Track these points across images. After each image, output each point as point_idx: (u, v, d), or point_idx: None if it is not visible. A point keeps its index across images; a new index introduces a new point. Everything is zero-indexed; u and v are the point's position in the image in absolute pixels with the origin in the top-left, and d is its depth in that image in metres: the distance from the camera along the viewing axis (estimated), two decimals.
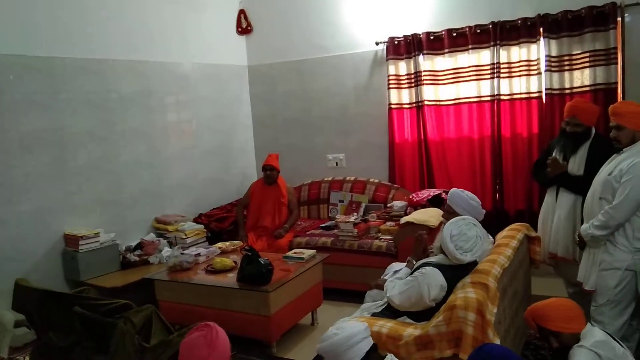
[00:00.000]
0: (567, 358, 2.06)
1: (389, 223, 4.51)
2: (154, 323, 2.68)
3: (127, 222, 4.49)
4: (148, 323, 2.66)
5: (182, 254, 3.94)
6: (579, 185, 3.11)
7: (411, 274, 2.66)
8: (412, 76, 4.82)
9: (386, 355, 1.96)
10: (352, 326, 1.93)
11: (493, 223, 4.11)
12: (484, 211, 3.01)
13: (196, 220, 4.89)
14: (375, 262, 4.09)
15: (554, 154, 3.34)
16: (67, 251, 3.97)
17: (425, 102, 4.78)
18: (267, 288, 3.28)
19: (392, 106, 4.95)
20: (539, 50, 4.31)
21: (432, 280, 2.41)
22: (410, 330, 2.32)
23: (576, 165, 3.19)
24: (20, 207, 3.75)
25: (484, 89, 4.55)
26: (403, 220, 4.12)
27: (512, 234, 3.02)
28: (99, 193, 4.29)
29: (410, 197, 4.59)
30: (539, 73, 4.34)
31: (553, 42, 4.23)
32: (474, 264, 2.62)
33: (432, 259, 2.72)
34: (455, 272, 2.47)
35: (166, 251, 4.32)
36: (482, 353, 1.70)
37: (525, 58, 4.37)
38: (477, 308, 2.11)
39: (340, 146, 5.44)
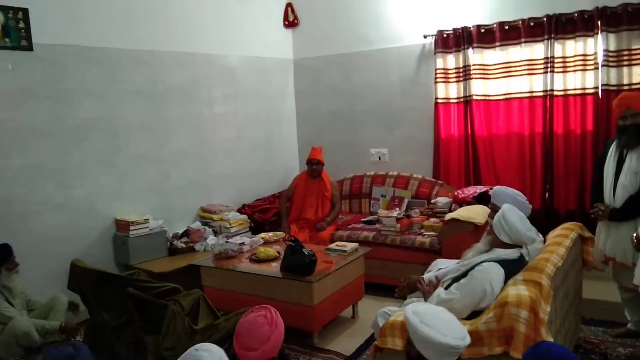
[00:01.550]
0: None
1: (432, 219, 4.45)
2: (202, 307, 2.77)
3: (174, 210, 4.62)
4: (196, 307, 2.76)
5: (226, 242, 4.02)
6: (633, 211, 2.99)
7: (450, 283, 2.57)
8: (461, 70, 4.73)
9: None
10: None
11: (542, 223, 4.00)
12: (531, 206, 2.94)
13: (240, 210, 4.97)
14: (418, 257, 4.06)
15: (608, 156, 3.20)
16: (118, 236, 4.12)
17: (474, 97, 4.68)
18: (311, 278, 3.30)
19: (439, 100, 4.87)
20: (596, 45, 4.15)
21: (493, 275, 2.35)
22: None
23: (634, 160, 3.04)
24: (75, 192, 3.92)
25: (536, 84, 4.43)
26: (448, 216, 4.05)
27: (566, 232, 2.92)
28: (148, 181, 4.42)
29: (455, 193, 4.51)
30: (596, 68, 4.18)
31: (612, 36, 4.07)
32: (525, 262, 2.55)
33: (481, 257, 2.62)
34: (507, 268, 2.41)
35: (211, 239, 4.42)
36: (540, 351, 1.55)
37: (581, 52, 4.22)
38: (530, 306, 2.05)
39: (383, 141, 5.41)
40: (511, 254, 2.48)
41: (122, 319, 2.76)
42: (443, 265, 3.17)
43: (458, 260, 2.95)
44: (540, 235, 3.10)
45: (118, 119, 4.18)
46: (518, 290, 2.14)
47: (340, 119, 5.64)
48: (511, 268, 2.43)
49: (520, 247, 2.51)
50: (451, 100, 4.85)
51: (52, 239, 3.72)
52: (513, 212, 2.47)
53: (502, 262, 2.45)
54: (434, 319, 1.77)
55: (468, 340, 1.77)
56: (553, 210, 4.44)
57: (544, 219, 4.29)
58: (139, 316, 2.57)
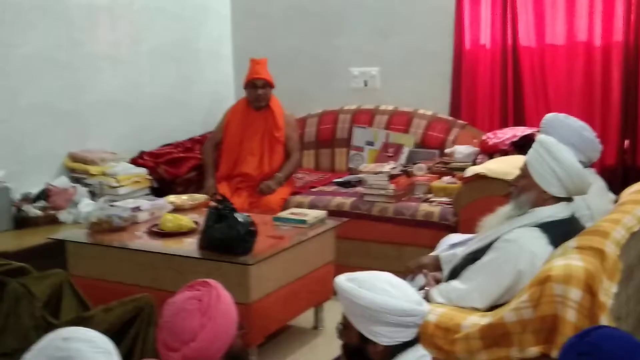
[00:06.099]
0: None
1: (446, 178, 4.52)
2: (65, 296, 2.77)
3: (25, 157, 4.54)
4: (56, 295, 2.76)
5: (111, 206, 4.01)
6: None
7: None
8: None
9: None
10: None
11: (616, 182, 4.12)
12: (602, 147, 3.09)
13: (136, 161, 4.97)
14: (421, 237, 4.11)
15: None
16: None
17: None
18: (247, 259, 3.32)
19: None
20: None
21: (532, 245, 2.47)
22: (475, 319, 2.36)
23: None
24: None
25: None
26: (470, 171, 4.11)
27: None
28: None
29: (484, 138, 4.59)
30: None
31: None
32: (578, 224, 2.65)
33: (512, 222, 2.69)
34: (554, 234, 2.50)
35: (86, 204, 4.40)
36: (589, 345, 1.54)
37: None
38: (584, 282, 2.12)
39: (373, 55, 5.45)
40: (558, 212, 2.57)
41: None
42: (456, 240, 3.25)
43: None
44: (612, 194, 3.23)
45: None
46: (567, 259, 2.21)
47: (305, 18, 5.64)
48: (560, 233, 2.51)
49: (571, 199, 2.61)
50: None
51: None
52: (560, 145, 2.61)
53: (545, 226, 2.53)
54: (375, 281, 2.00)
55: (426, 306, 2.01)
56: (634, 167, 4.57)
57: (620, 178, 4.42)
58: None
